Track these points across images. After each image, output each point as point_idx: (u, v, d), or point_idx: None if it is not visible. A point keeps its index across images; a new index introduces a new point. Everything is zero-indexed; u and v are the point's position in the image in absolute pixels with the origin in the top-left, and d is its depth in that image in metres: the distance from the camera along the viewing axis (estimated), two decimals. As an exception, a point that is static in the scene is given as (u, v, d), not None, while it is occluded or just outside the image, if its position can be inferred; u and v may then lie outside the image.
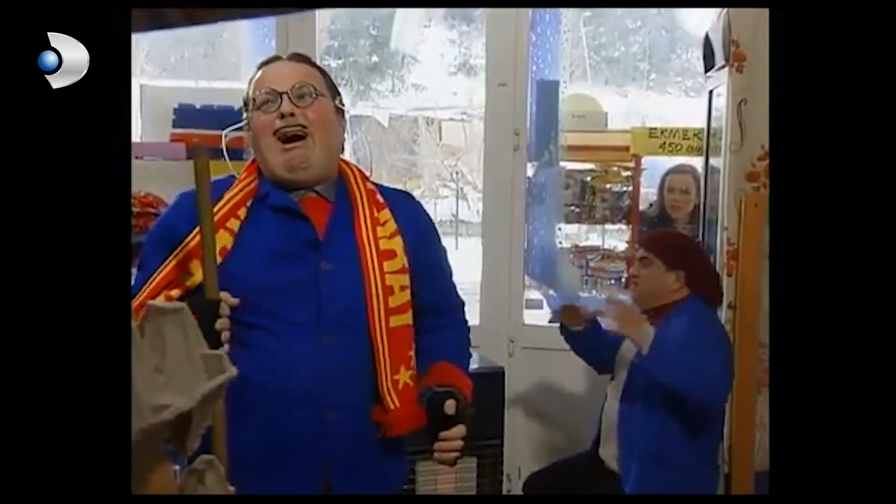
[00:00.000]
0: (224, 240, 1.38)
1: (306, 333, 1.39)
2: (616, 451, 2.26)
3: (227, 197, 1.41)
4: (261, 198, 1.43)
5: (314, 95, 1.43)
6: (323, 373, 1.38)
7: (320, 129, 1.43)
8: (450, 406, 1.45)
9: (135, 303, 1.31)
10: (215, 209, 1.38)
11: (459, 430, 1.48)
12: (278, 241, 1.41)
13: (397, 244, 1.45)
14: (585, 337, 2.38)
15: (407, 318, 1.46)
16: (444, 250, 1.62)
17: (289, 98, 1.41)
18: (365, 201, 1.47)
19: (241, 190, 1.43)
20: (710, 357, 2.09)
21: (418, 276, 1.49)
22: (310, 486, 1.40)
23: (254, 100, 1.44)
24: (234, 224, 1.40)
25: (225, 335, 1.29)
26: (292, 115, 1.40)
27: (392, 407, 1.41)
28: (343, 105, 1.52)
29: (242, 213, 1.41)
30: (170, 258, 1.38)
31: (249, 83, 1.48)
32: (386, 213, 1.47)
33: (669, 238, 2.42)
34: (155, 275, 1.38)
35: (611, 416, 2.31)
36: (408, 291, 1.46)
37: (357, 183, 1.49)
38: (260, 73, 1.48)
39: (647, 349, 2.03)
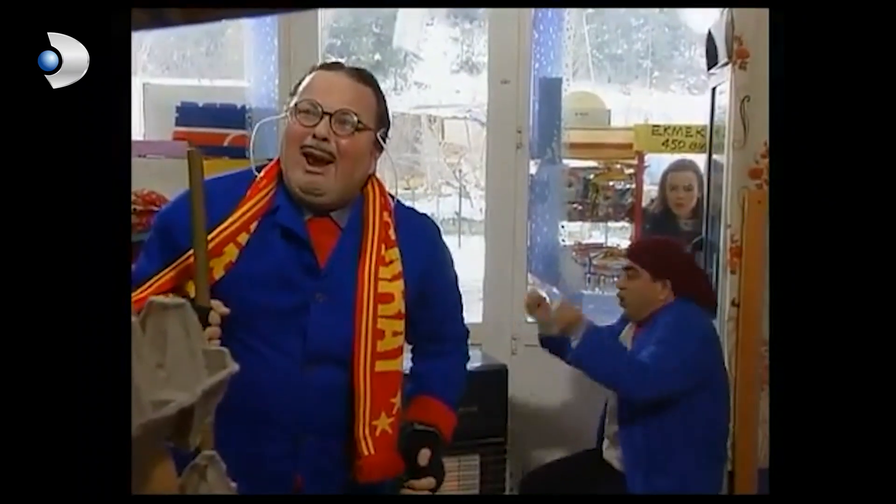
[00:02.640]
0: (231, 254, 1.36)
1: (289, 360, 1.37)
2: (620, 454, 2.27)
3: (243, 209, 1.38)
4: (272, 211, 1.40)
5: (356, 127, 1.37)
6: (302, 401, 1.37)
7: (347, 161, 1.37)
8: (423, 457, 1.43)
9: (135, 295, 1.31)
10: (230, 221, 1.36)
11: (428, 482, 1.45)
12: (279, 262, 1.38)
13: (397, 288, 1.40)
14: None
15: (395, 365, 1.42)
16: (453, 281, 1.58)
17: (329, 121, 1.36)
18: (375, 237, 1.40)
19: (257, 202, 1.39)
20: (668, 349, 2.11)
21: (421, 306, 1.47)
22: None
23: (297, 104, 1.38)
24: (243, 238, 1.37)
25: (214, 343, 1.25)
26: (325, 139, 1.35)
27: (366, 453, 1.37)
28: (385, 137, 1.46)
29: (254, 227, 1.38)
30: (169, 268, 1.36)
31: (303, 79, 1.43)
32: (394, 253, 1.42)
33: (653, 246, 2.41)
34: (156, 278, 1.36)
35: (613, 419, 2.32)
36: (400, 338, 1.42)
37: (374, 212, 1.42)
38: (315, 76, 1.41)
39: (576, 340, 2.09)
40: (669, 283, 2.25)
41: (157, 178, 2.37)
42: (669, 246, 2.42)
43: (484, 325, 2.99)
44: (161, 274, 1.36)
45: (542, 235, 3.08)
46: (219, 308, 1.29)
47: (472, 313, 3.04)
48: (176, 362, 0.58)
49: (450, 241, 1.66)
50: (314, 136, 1.35)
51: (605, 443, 2.39)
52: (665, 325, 2.19)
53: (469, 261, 3.64)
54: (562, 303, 2.26)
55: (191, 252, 1.30)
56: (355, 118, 1.37)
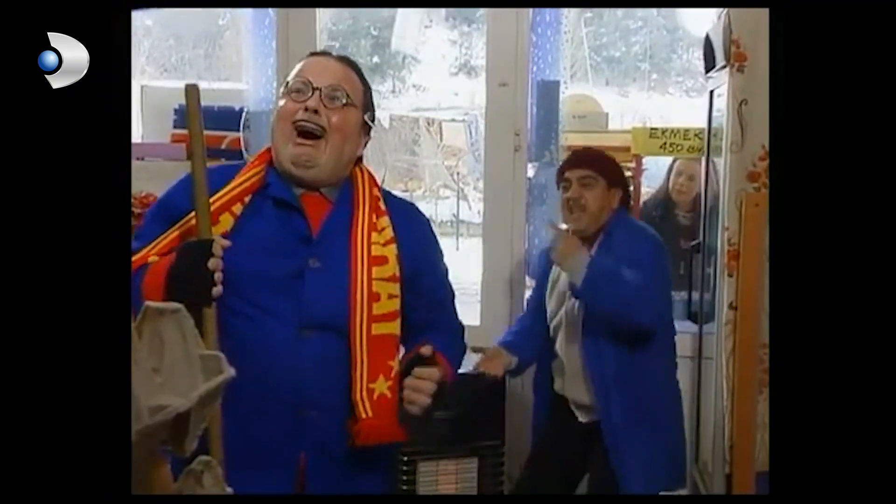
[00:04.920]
0: (226, 223, 1.38)
1: (286, 326, 1.37)
2: (587, 387, 2.21)
3: (235, 182, 1.42)
4: (264, 187, 1.43)
5: (345, 102, 1.43)
6: (300, 367, 1.37)
7: (337, 135, 1.42)
8: (426, 349, 1.41)
9: (135, 257, 1.33)
10: (224, 192, 1.39)
11: (433, 372, 1.40)
12: (273, 232, 1.41)
13: (391, 252, 1.43)
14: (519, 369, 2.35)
15: (392, 328, 1.42)
16: (443, 269, 1.59)
17: (320, 95, 1.41)
18: (366, 205, 1.46)
19: (249, 178, 1.43)
20: (645, 274, 2.09)
21: (413, 291, 1.47)
22: (283, 480, 1.38)
23: (287, 83, 1.45)
24: (238, 209, 1.40)
25: (218, 275, 1.27)
26: (316, 112, 1.40)
27: (364, 416, 1.37)
28: (371, 122, 1.51)
29: (247, 199, 1.42)
30: (172, 229, 1.38)
31: (293, 69, 1.49)
32: (385, 221, 1.46)
33: (604, 156, 2.37)
34: (156, 242, 1.38)
35: (573, 356, 2.24)
36: (396, 301, 1.42)
37: (364, 187, 1.48)
38: (304, 62, 1.49)
39: (580, 281, 2.04)
40: (620, 193, 2.27)
41: (155, 180, 2.36)
42: (611, 157, 2.40)
43: (482, 328, 2.98)
44: (164, 235, 1.38)
45: (540, 238, 3.08)
46: (220, 240, 1.30)
47: (470, 316, 3.05)
48: (172, 367, 0.57)
49: (448, 243, 1.66)
50: (306, 110, 1.40)
51: (566, 382, 2.30)
52: (633, 242, 2.17)
53: (467, 263, 3.64)
54: (563, 233, 2.16)
55: (191, 216, 1.33)
56: (345, 93, 1.43)
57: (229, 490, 0.66)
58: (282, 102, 1.44)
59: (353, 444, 1.39)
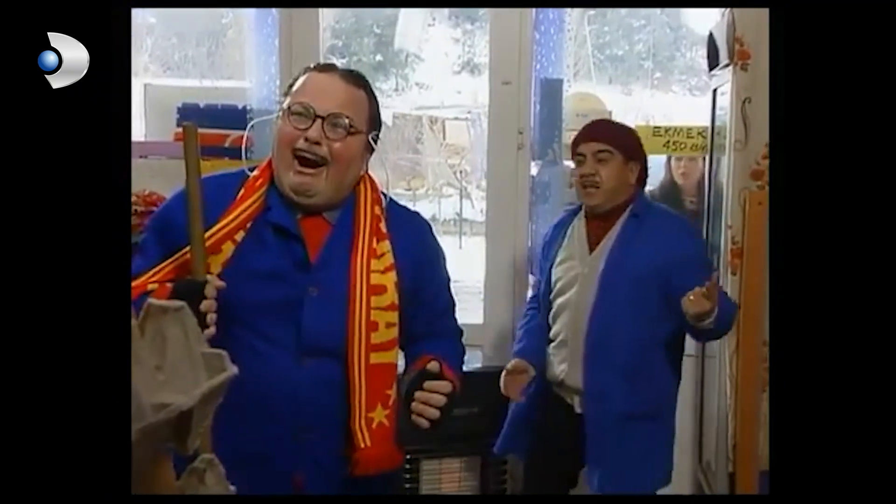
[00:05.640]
0: (228, 251, 1.37)
1: (285, 353, 1.37)
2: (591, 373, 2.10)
3: (240, 208, 1.39)
4: (266, 210, 1.41)
5: (349, 130, 1.38)
6: (299, 392, 1.37)
7: (339, 165, 1.39)
8: (433, 365, 1.39)
9: (135, 283, 1.32)
10: (228, 219, 1.37)
11: (444, 384, 1.39)
12: (272, 259, 1.39)
13: (390, 280, 1.41)
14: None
15: (390, 357, 1.42)
16: (445, 279, 1.58)
17: (321, 124, 1.37)
18: (367, 230, 1.42)
19: (253, 202, 1.40)
20: (706, 269, 2.03)
21: (413, 303, 1.47)
22: None
23: (289, 106, 1.39)
24: (240, 236, 1.38)
25: (211, 317, 1.27)
26: (317, 143, 1.36)
27: (362, 445, 1.37)
28: (377, 139, 1.46)
29: (249, 225, 1.40)
30: (169, 260, 1.36)
31: (296, 80, 1.44)
32: (385, 245, 1.43)
33: (621, 127, 2.24)
34: (156, 270, 1.37)
35: (579, 340, 2.11)
36: (394, 329, 1.42)
37: (365, 207, 1.45)
38: (307, 77, 1.43)
39: (712, 321, 1.91)
40: (638, 168, 2.15)
41: (159, 178, 2.37)
42: (631, 128, 2.27)
43: (485, 327, 2.99)
44: (163, 265, 1.37)
45: (542, 236, 3.08)
46: (214, 281, 1.29)
47: (473, 314, 3.05)
48: (175, 365, 0.57)
49: (451, 241, 1.65)
50: (306, 140, 1.37)
51: (559, 369, 2.16)
52: (674, 232, 2.07)
53: (470, 262, 3.64)
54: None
55: (187, 250, 1.31)
56: (347, 121, 1.38)
57: (232, 489, 0.67)
58: (282, 122, 1.40)
59: (353, 474, 1.39)
